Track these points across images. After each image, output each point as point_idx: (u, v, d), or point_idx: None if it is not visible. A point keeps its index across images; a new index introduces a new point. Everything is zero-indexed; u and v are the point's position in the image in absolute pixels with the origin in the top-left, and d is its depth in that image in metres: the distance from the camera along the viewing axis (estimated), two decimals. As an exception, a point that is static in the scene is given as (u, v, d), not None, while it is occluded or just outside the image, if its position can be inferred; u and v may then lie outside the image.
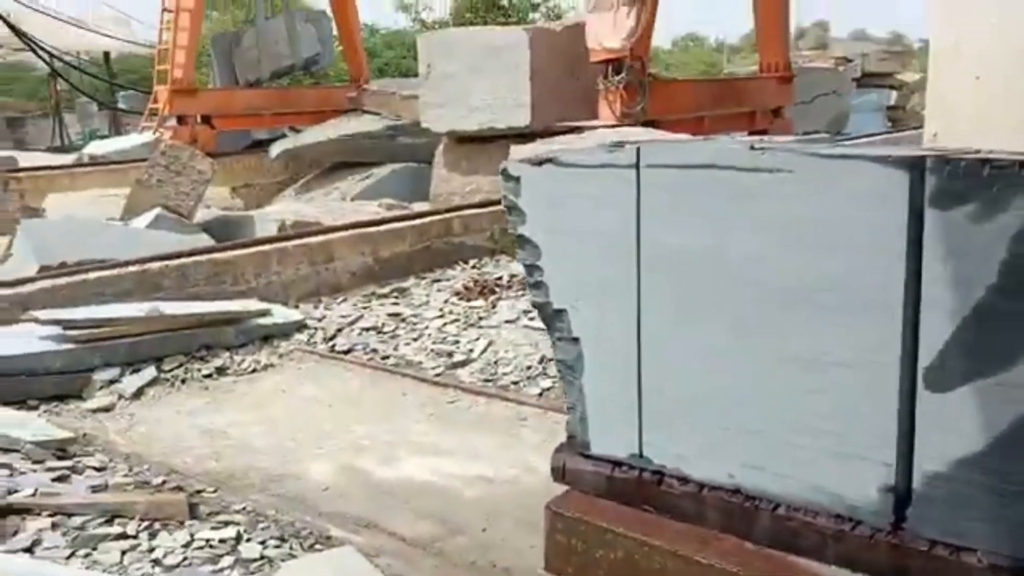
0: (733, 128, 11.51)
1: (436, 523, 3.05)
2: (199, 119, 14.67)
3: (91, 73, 25.47)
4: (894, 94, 20.11)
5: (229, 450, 3.77)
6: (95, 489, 3.17)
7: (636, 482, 2.19)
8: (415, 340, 5.18)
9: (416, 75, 11.60)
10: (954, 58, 2.94)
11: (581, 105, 10.04)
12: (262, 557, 2.72)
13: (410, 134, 12.48)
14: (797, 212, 1.81)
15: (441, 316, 5.55)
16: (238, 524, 2.94)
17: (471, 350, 4.88)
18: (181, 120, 14.51)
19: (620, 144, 2.15)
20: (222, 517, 3.02)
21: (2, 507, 2.83)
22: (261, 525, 2.96)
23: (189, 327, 4.87)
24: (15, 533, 2.74)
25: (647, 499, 2.17)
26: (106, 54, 27.48)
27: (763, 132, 12.00)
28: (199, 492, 3.23)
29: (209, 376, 4.67)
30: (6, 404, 4.06)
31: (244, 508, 3.10)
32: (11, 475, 3.17)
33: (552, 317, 2.25)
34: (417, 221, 7.25)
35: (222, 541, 2.81)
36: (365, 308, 5.88)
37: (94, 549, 2.71)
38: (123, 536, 2.80)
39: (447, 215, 7.47)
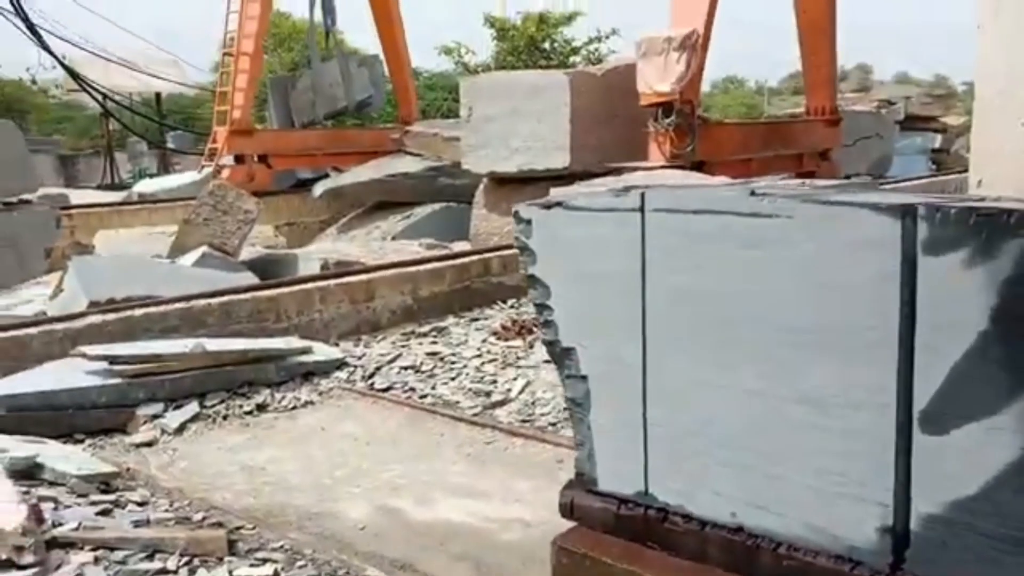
0: (780, 170, 11.55)
1: (472, 566, 3.03)
2: (256, 158, 15.08)
3: (141, 113, 26.20)
4: (938, 137, 19.94)
5: (268, 487, 3.80)
6: (137, 524, 3.21)
7: (642, 519, 2.22)
8: (453, 379, 5.20)
9: (457, 117, 11.77)
10: (1000, 104, 2.92)
11: (620, 148, 10.11)
12: (299, 596, 2.73)
13: (451, 175, 12.65)
14: (796, 257, 1.86)
15: (479, 356, 5.56)
16: (276, 562, 2.96)
17: (509, 390, 4.88)
18: (239, 159, 14.94)
19: (627, 189, 2.22)
20: (261, 554, 3.03)
21: (47, 540, 2.87)
22: (299, 563, 2.97)
23: (232, 363, 4.94)
24: (59, 566, 2.78)
25: (652, 536, 2.20)
26: (157, 95, 28.29)
27: (810, 174, 12.06)
28: (238, 528, 3.25)
29: (250, 412, 4.72)
30: (53, 437, 4.14)
31: (282, 546, 3.11)
32: (56, 508, 3.22)
33: (561, 355, 2.32)
34: (457, 261, 7.31)
35: (260, 579, 2.82)
36: (404, 347, 5.92)
37: (135, 584, 2.74)
38: (163, 572, 2.82)
39: (486, 255, 7.53)
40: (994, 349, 1.63)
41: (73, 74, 21.51)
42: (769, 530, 2.00)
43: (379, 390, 5.09)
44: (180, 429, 4.46)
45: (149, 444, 4.31)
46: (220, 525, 3.26)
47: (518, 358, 5.41)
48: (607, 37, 26.13)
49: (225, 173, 14.39)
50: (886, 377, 1.76)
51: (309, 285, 6.27)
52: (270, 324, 5.79)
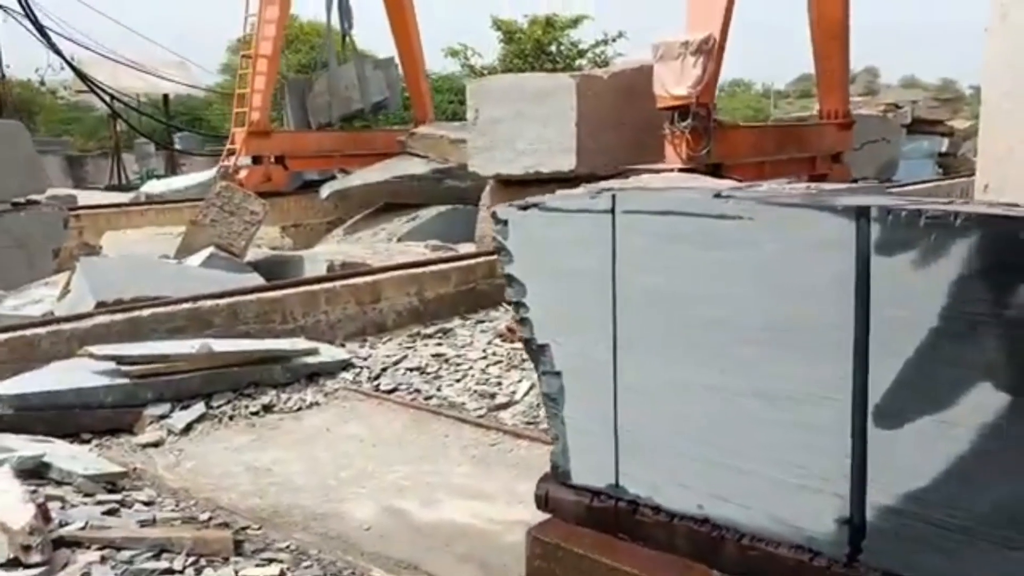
0: (793, 172, 11.62)
1: (477, 567, 3.04)
2: (273, 159, 15.18)
3: (149, 114, 26.28)
4: (945, 141, 19.89)
5: (274, 487, 3.81)
6: (143, 523, 3.22)
7: (613, 511, 2.29)
8: (458, 381, 5.20)
9: (464, 119, 11.79)
10: (1008, 107, 2.92)
11: (627, 151, 10.11)
12: (304, 596, 2.74)
13: (457, 177, 12.65)
14: (758, 257, 1.92)
15: (484, 357, 5.57)
16: (282, 562, 2.97)
17: (514, 392, 4.89)
18: (256, 160, 15.04)
19: (601, 191, 2.29)
20: (266, 554, 3.04)
21: (54, 540, 2.88)
22: (304, 564, 2.98)
23: (238, 364, 4.95)
24: (65, 565, 2.79)
25: (622, 527, 2.27)
26: (165, 96, 28.36)
27: (822, 177, 12.14)
28: (244, 529, 3.27)
29: (256, 413, 4.74)
30: (61, 437, 4.16)
31: (288, 546, 3.12)
32: (63, 508, 3.24)
33: (536, 352, 2.39)
34: (462, 263, 7.32)
35: (266, 579, 2.83)
36: (410, 348, 5.93)
37: (141, 583, 2.75)
38: (169, 571, 2.83)
39: (492, 257, 7.52)
40: (944, 346, 1.68)
41: (81, 75, 21.61)
42: (733, 521, 2.06)
43: (385, 391, 5.10)
44: (186, 429, 4.48)
45: (155, 444, 4.32)
46: (226, 525, 3.27)
47: (523, 360, 5.40)
48: (614, 40, 26.14)
49: (243, 174, 14.52)
50: (843, 373, 1.82)
51: (315, 286, 6.29)
52: (276, 325, 5.81)
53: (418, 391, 5.09)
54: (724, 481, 2.06)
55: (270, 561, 2.97)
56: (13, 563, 2.71)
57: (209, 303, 5.58)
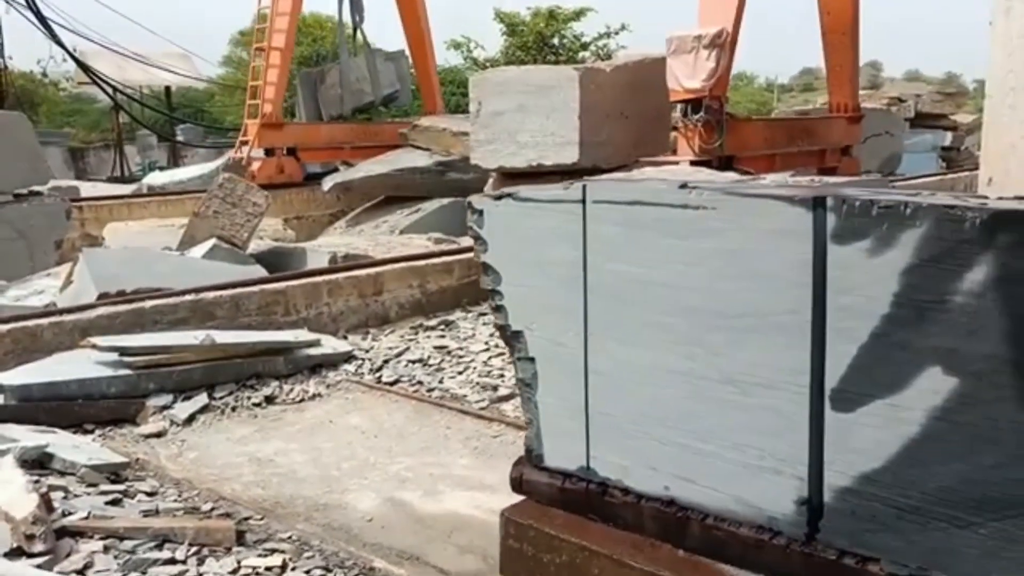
0: (803, 165, 11.69)
1: (479, 558, 3.05)
2: (285, 151, 15.24)
3: (151, 106, 26.26)
4: (949, 135, 19.84)
5: (276, 478, 3.82)
6: (146, 513, 3.23)
7: (584, 493, 2.36)
8: (460, 373, 5.21)
9: (466, 112, 11.77)
10: (1012, 101, 2.91)
11: (630, 143, 10.11)
12: (307, 586, 2.75)
13: (459, 170, 12.64)
14: (721, 245, 1.98)
15: (487, 350, 5.57)
16: (284, 552, 2.97)
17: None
18: (269, 152, 15.10)
19: (571, 182, 2.35)
20: (269, 545, 3.05)
21: (57, 529, 2.89)
22: (306, 554, 2.99)
23: (241, 356, 4.96)
24: (68, 555, 2.80)
25: (593, 509, 2.33)
26: (167, 88, 28.35)
27: (832, 170, 12.22)
28: (246, 519, 3.28)
29: (258, 404, 4.75)
30: (64, 427, 4.17)
31: (290, 537, 3.13)
32: (66, 498, 3.25)
33: (511, 338, 2.46)
34: (465, 255, 7.31)
35: (268, 569, 2.84)
36: (412, 340, 5.93)
37: (144, 573, 2.76)
38: (172, 561, 2.84)
39: (495, 250, 7.51)
40: (896, 332, 1.74)
41: (84, 66, 21.60)
42: (698, 502, 2.13)
43: (387, 383, 5.11)
44: (189, 420, 4.49)
45: (158, 435, 4.34)
46: (228, 515, 3.28)
47: (525, 353, 5.41)
48: (616, 33, 26.12)
49: (256, 165, 14.62)
50: (801, 358, 1.88)
51: (318, 278, 6.29)
52: (279, 317, 5.82)
53: (420, 383, 5.10)
54: (690, 464, 2.12)
55: (272, 551, 2.98)
56: (16, 552, 2.72)
57: (212, 295, 5.59)
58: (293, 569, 2.86)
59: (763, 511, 2.00)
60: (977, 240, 1.61)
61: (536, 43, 25.70)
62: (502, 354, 5.43)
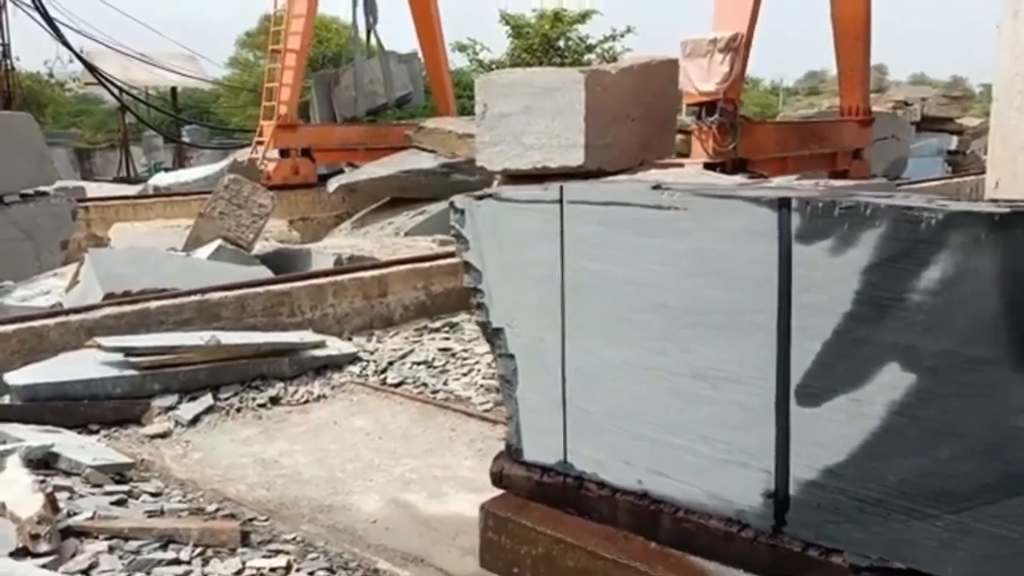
0: (815, 168, 11.72)
1: (483, 560, 3.04)
2: (300, 152, 15.33)
3: (157, 107, 26.33)
4: (955, 139, 19.81)
5: (280, 479, 3.82)
6: (151, 514, 3.24)
7: (560, 486, 2.42)
8: (465, 375, 5.21)
9: (472, 114, 11.78)
10: (1019, 104, 2.91)
11: (636, 146, 10.09)
12: (311, 588, 2.75)
13: (464, 172, 12.64)
14: (691, 244, 2.04)
15: (491, 352, 5.56)
16: (288, 554, 2.98)
17: (521, 387, 4.88)
18: (284, 153, 15.19)
19: (549, 183, 2.42)
20: (273, 546, 3.05)
21: (62, 529, 2.90)
22: (311, 556, 2.99)
23: (246, 357, 4.97)
24: (73, 555, 2.80)
25: (570, 502, 2.39)
26: (173, 89, 28.43)
27: (843, 173, 12.24)
28: (251, 520, 3.28)
29: (263, 405, 4.75)
30: (69, 428, 4.17)
31: (294, 538, 3.13)
32: (71, 498, 3.26)
33: (492, 335, 2.52)
34: (470, 257, 7.31)
35: (272, 570, 2.84)
36: (416, 342, 5.93)
37: (148, 573, 2.76)
38: (177, 561, 2.84)
39: (499, 252, 7.51)
40: (858, 329, 1.78)
41: (90, 67, 21.68)
42: (670, 496, 2.18)
43: (391, 385, 5.11)
44: (194, 421, 4.49)
45: (163, 435, 4.34)
46: (233, 516, 3.29)
47: (530, 355, 5.41)
48: (622, 35, 26.13)
49: (270, 167, 14.70)
50: (767, 355, 1.93)
51: (323, 280, 6.29)
52: (284, 318, 5.82)
53: (425, 385, 5.10)
54: (662, 457, 2.17)
55: (277, 552, 2.99)
56: (22, 552, 2.73)
57: (217, 296, 5.60)
58: (297, 570, 2.86)
59: (732, 504, 2.06)
60: (932, 240, 1.66)
61: (542, 45, 25.72)
62: (507, 356, 5.43)
